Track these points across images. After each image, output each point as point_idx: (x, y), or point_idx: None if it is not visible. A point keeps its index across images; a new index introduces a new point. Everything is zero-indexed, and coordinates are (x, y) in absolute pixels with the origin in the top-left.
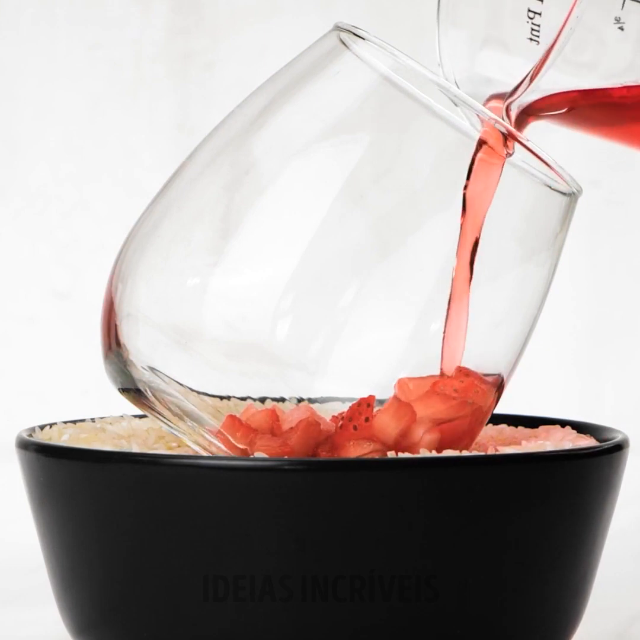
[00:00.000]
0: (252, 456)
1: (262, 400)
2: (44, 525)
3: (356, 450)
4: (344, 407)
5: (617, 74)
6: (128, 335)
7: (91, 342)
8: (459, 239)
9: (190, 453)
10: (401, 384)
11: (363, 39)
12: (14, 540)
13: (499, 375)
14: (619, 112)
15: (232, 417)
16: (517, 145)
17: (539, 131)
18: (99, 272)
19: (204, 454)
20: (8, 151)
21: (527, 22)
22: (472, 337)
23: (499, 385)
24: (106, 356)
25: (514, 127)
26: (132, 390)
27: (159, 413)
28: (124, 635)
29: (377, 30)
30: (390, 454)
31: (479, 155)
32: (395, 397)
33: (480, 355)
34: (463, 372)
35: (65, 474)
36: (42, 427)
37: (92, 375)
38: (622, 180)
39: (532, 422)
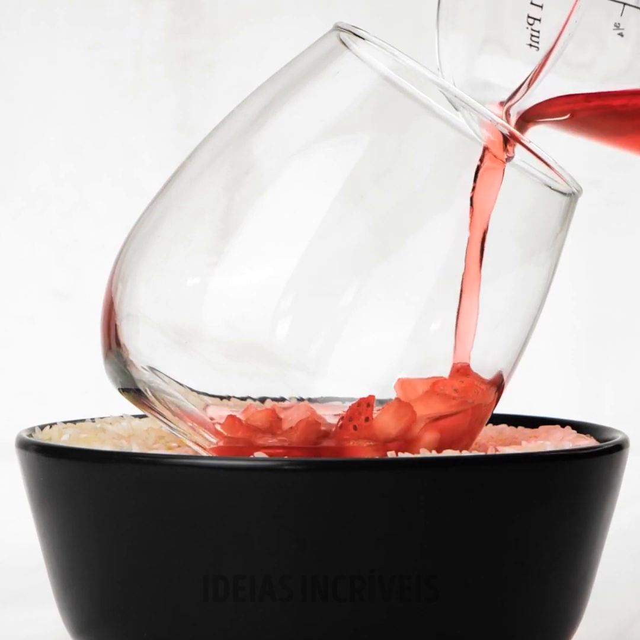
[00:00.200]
0: (252, 456)
1: (262, 400)
2: (44, 525)
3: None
4: (344, 407)
5: (617, 78)
6: (128, 335)
7: (91, 342)
8: (468, 238)
9: (190, 453)
10: (401, 383)
11: (363, 39)
12: (14, 540)
13: (499, 375)
14: (621, 120)
15: (232, 417)
16: (517, 145)
17: (539, 131)
18: (99, 272)
19: (204, 454)
20: (8, 151)
21: (527, 28)
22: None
23: (499, 385)
24: (106, 356)
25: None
26: (132, 390)
27: (159, 413)
28: (124, 635)
29: (377, 30)
30: (390, 454)
31: (485, 161)
32: (396, 397)
33: (480, 355)
34: (463, 372)
35: (65, 474)
36: (42, 427)
37: (92, 375)
38: (622, 180)
39: (532, 422)
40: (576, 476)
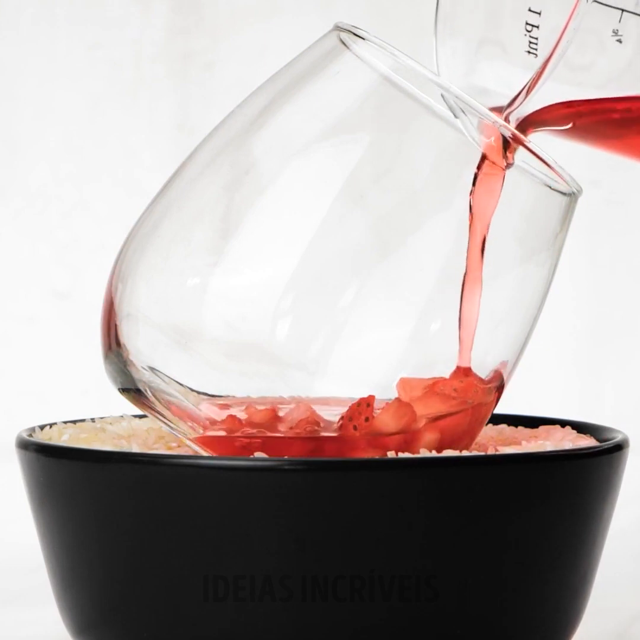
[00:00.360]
0: (252, 456)
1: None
2: (44, 525)
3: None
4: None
5: (616, 84)
6: (128, 335)
7: (91, 342)
8: (468, 242)
9: (190, 453)
10: (402, 383)
11: (363, 39)
12: (14, 540)
13: (499, 375)
14: (622, 127)
15: (232, 417)
16: (517, 149)
17: (538, 135)
18: (99, 272)
19: (204, 454)
20: (8, 151)
21: (525, 34)
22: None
23: (499, 385)
24: (106, 356)
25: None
26: (132, 390)
27: (159, 413)
28: (124, 635)
29: (377, 30)
30: (390, 454)
31: (483, 168)
32: (396, 397)
33: (480, 355)
34: (463, 373)
35: (65, 474)
36: (42, 427)
37: (92, 375)
38: (622, 180)
39: (532, 422)
40: (576, 476)
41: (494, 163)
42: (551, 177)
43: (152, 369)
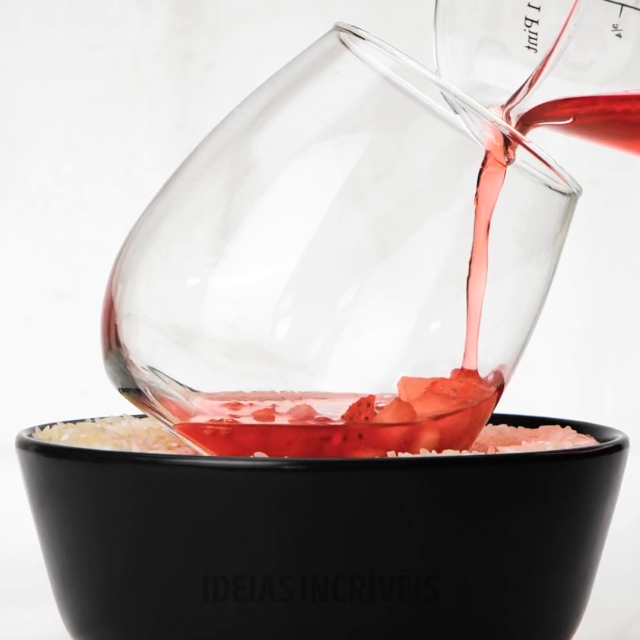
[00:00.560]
0: (252, 456)
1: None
2: (44, 525)
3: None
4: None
5: (617, 79)
6: (128, 335)
7: (91, 342)
8: (473, 242)
9: (190, 453)
10: (402, 382)
11: (363, 39)
12: (14, 540)
13: (499, 375)
14: (623, 123)
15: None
16: (517, 147)
17: (539, 132)
18: (99, 272)
19: (204, 454)
20: (8, 151)
21: (525, 30)
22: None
23: (499, 385)
24: (106, 356)
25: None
26: (132, 390)
27: (159, 413)
28: (124, 635)
29: (377, 30)
30: (390, 454)
31: (487, 165)
32: (396, 397)
33: (480, 355)
34: (463, 373)
35: (65, 474)
36: (42, 427)
37: (92, 375)
38: (622, 180)
39: (532, 422)
40: (576, 476)
41: (495, 159)
42: (551, 177)
43: (152, 369)
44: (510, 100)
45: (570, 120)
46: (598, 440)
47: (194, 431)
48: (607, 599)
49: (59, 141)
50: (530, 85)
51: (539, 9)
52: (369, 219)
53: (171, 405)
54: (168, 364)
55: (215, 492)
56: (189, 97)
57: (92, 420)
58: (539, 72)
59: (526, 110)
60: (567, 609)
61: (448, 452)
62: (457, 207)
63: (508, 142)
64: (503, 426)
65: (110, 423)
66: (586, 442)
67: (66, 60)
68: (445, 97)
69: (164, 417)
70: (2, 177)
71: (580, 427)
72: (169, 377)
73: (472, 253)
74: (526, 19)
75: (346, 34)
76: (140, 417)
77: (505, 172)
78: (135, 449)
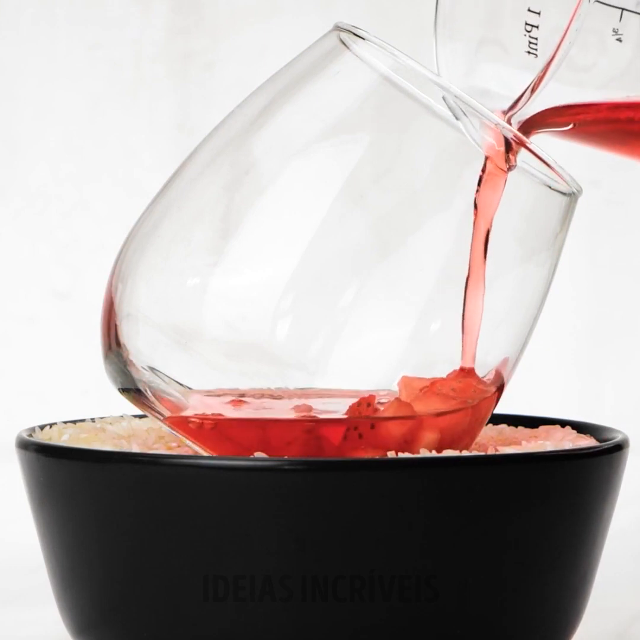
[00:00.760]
0: (252, 456)
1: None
2: (44, 525)
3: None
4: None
5: (617, 84)
6: (128, 335)
7: (91, 342)
8: (472, 243)
9: (190, 453)
10: (403, 382)
11: (363, 39)
12: (14, 540)
13: (499, 375)
14: (625, 130)
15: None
16: (518, 151)
17: (539, 135)
18: (99, 272)
19: (204, 454)
20: (8, 151)
21: (525, 35)
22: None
23: (499, 386)
24: (106, 356)
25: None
26: (132, 390)
27: (159, 413)
28: (124, 635)
29: (377, 30)
30: (390, 454)
31: (487, 170)
32: (396, 397)
33: (480, 355)
34: (462, 373)
35: (65, 474)
36: (42, 427)
37: (92, 375)
38: (622, 180)
39: (532, 422)
40: (576, 476)
41: (496, 166)
42: (551, 177)
43: (152, 369)
44: (512, 107)
45: (571, 126)
46: (598, 440)
47: (182, 424)
48: (607, 599)
49: (59, 141)
50: (532, 91)
51: (539, 13)
52: (369, 219)
53: (170, 404)
54: (168, 364)
55: (215, 492)
56: (189, 97)
57: (92, 420)
58: (540, 78)
59: (527, 116)
60: (567, 609)
61: (448, 452)
62: (457, 207)
63: (509, 146)
64: (503, 426)
65: (110, 423)
66: (586, 442)
67: (66, 60)
68: (445, 101)
69: (164, 417)
70: (2, 177)
71: (580, 427)
72: (169, 377)
73: (471, 254)
74: (526, 23)
75: (346, 34)
76: (140, 417)
77: (505, 179)
78: (135, 449)
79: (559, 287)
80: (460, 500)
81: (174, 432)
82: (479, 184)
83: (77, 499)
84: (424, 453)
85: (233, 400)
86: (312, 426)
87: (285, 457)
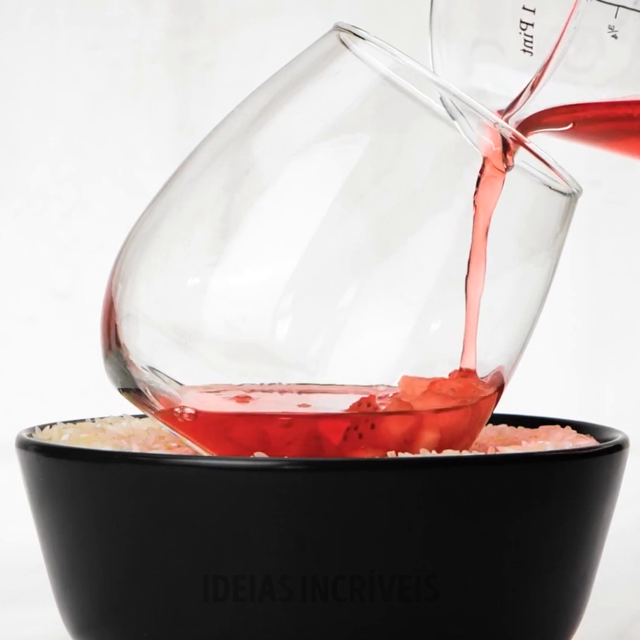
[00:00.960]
0: (252, 456)
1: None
2: (44, 525)
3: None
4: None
5: (615, 83)
6: (128, 335)
7: (91, 342)
8: (472, 244)
9: (190, 453)
10: (404, 381)
11: (363, 39)
12: (14, 540)
13: (499, 375)
14: (624, 129)
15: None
16: (516, 152)
17: (538, 135)
18: (99, 272)
19: (204, 454)
20: (8, 151)
21: (520, 33)
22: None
23: (499, 386)
24: (106, 356)
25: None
26: (132, 390)
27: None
28: (124, 635)
29: (377, 30)
30: (390, 454)
31: (485, 171)
32: (396, 397)
33: (480, 355)
34: (462, 373)
35: (65, 474)
36: (42, 427)
37: (92, 375)
38: (622, 180)
39: (532, 422)
40: (576, 476)
41: (493, 167)
42: (551, 177)
43: (152, 369)
44: (510, 107)
45: (570, 126)
46: (598, 440)
47: (169, 417)
48: (607, 599)
49: (59, 141)
50: (531, 90)
51: (533, 11)
52: (369, 219)
53: (167, 402)
54: (168, 364)
55: (215, 492)
56: (189, 97)
57: (92, 420)
58: (538, 78)
59: (525, 116)
60: (567, 609)
61: (448, 452)
62: (457, 207)
63: (507, 147)
64: (503, 426)
65: (110, 423)
66: (586, 442)
67: (66, 60)
68: (443, 101)
69: (155, 412)
70: (2, 177)
71: (580, 427)
72: (169, 377)
73: (470, 254)
74: (521, 21)
75: (346, 34)
76: (140, 417)
77: (504, 180)
78: (135, 449)
79: (559, 287)
80: (460, 500)
81: (174, 432)
82: (477, 185)
83: (77, 499)
84: (424, 453)
85: (246, 397)
86: (291, 421)
87: (285, 457)
